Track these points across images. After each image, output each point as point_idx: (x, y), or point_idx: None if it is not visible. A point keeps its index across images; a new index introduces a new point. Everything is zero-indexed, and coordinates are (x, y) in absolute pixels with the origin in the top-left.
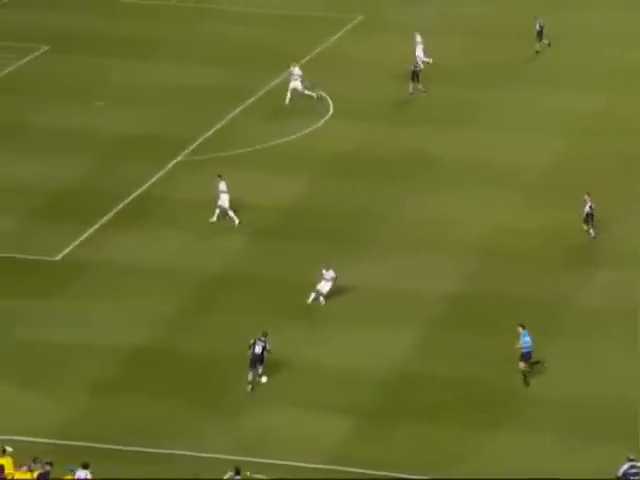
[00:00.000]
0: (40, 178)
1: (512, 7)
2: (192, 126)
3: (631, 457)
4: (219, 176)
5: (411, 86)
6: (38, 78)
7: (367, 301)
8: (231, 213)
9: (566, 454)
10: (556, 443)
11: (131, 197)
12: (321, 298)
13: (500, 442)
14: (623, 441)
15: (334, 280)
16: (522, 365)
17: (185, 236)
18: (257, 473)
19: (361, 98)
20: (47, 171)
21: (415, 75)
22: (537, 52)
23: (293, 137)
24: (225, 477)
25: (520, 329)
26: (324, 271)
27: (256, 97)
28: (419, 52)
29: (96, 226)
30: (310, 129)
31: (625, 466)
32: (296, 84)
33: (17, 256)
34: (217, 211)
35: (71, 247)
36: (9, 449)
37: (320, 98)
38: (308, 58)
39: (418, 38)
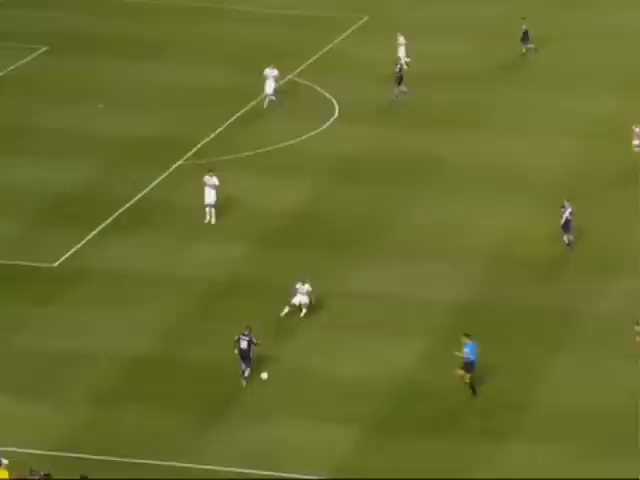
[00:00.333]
0: (38, 182)
1: (527, 6)
2: (194, 129)
3: None
4: (210, 171)
5: (396, 89)
6: (36, 80)
7: (373, 310)
8: (213, 210)
9: (578, 465)
10: (567, 454)
11: (132, 202)
12: (304, 310)
13: (510, 454)
14: (637, 452)
15: (309, 294)
16: (461, 374)
17: (187, 242)
18: None
19: (367, 100)
20: (45, 175)
21: (399, 78)
22: (523, 54)
23: (297, 140)
24: None
25: (465, 338)
26: (299, 285)
27: (260, 99)
28: (401, 53)
29: (96, 231)
30: (315, 132)
31: None
32: (271, 86)
33: (15, 262)
34: (213, 211)
35: (70, 253)
36: (5, 461)
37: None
38: (314, 59)
39: (401, 39)
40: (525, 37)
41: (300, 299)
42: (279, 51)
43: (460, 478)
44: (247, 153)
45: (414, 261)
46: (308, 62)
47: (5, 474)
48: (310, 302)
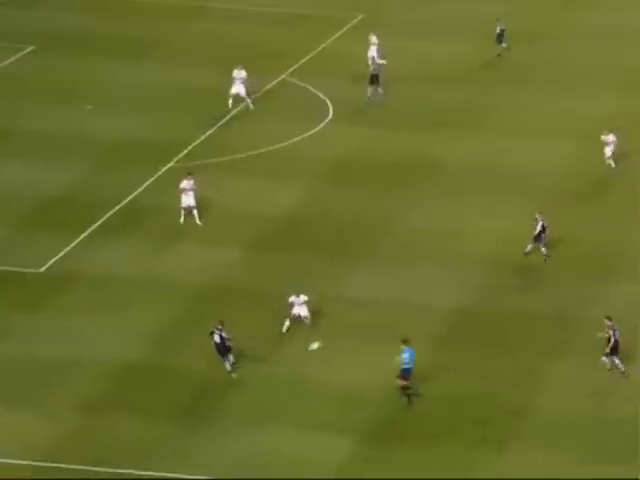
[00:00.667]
0: (24, 185)
1: (527, 5)
2: (184, 130)
3: None
4: (189, 174)
5: (369, 90)
6: (23, 80)
7: (369, 315)
8: (195, 212)
9: (577, 473)
10: (567, 462)
11: (121, 205)
12: (307, 321)
13: (509, 461)
14: (636, 459)
15: (307, 303)
16: (400, 382)
17: (177, 246)
18: None
19: (362, 101)
20: (32, 177)
21: (374, 78)
22: (499, 55)
23: (290, 142)
24: None
25: (402, 345)
26: (293, 298)
27: (251, 100)
28: (373, 53)
29: (84, 235)
30: (308, 134)
31: None
32: (240, 88)
33: (1, 268)
34: (195, 213)
35: (58, 257)
36: None
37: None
38: (307, 58)
39: (374, 39)
40: (500, 38)
41: (299, 311)
42: (272, 50)
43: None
44: (239, 155)
45: (411, 266)
46: (301, 62)
47: None
48: (308, 311)
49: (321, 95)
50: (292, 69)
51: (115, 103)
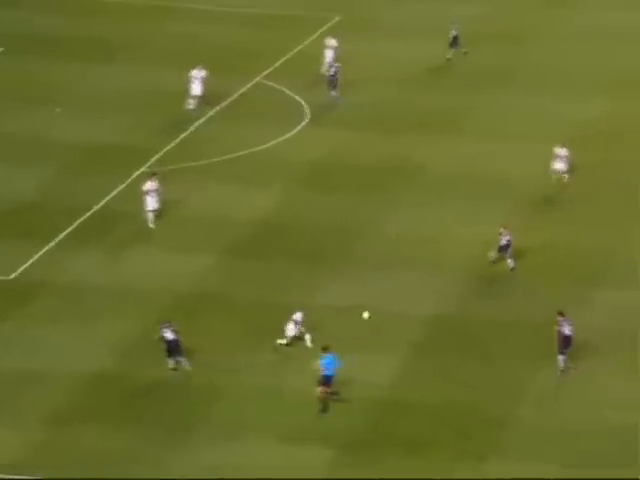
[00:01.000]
0: None
1: (509, 6)
2: (157, 134)
3: None
4: (154, 174)
5: (329, 93)
6: None
7: (346, 324)
8: (151, 215)
9: None
10: (548, 474)
11: (91, 211)
12: (307, 340)
13: (489, 473)
14: (621, 470)
15: (301, 323)
16: (319, 389)
17: (150, 253)
18: None
19: (340, 103)
20: (1, 183)
21: (332, 82)
22: (449, 59)
23: (266, 146)
24: None
25: (322, 351)
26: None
27: (227, 103)
28: (330, 56)
29: (54, 243)
30: (284, 137)
31: None
32: (198, 88)
33: None
34: (150, 215)
35: (26, 265)
36: None
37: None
38: (283, 60)
39: (332, 42)
40: (454, 42)
41: (295, 331)
42: (246, 52)
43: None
44: (213, 159)
45: (389, 272)
46: (277, 64)
47: None
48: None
49: (297, 98)
50: (267, 71)
51: (86, 106)
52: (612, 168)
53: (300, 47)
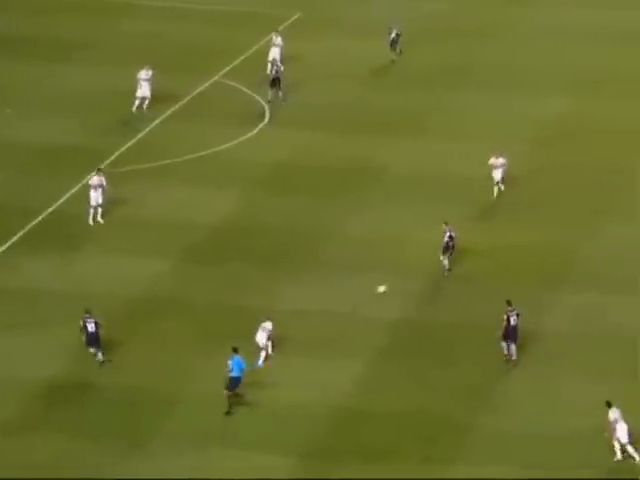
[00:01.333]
0: None
1: (474, 3)
2: (112, 135)
3: None
4: (99, 170)
5: (270, 93)
6: None
7: (307, 328)
8: (99, 210)
9: None
10: (509, 474)
11: (44, 214)
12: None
13: (455, 478)
14: (581, 471)
15: (270, 333)
16: (225, 392)
17: (105, 257)
18: None
19: (300, 103)
20: None
21: (275, 81)
22: (393, 61)
23: (225, 146)
24: None
25: (232, 352)
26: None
27: (184, 102)
28: (275, 55)
29: (5, 247)
30: (243, 137)
31: None
32: (146, 90)
33: None
34: (100, 210)
35: None
36: None
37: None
38: (242, 58)
39: (278, 40)
40: (394, 42)
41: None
42: (204, 50)
43: None
44: (170, 161)
45: (351, 276)
46: (236, 62)
47: None
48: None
49: (257, 97)
50: (226, 70)
51: (39, 106)
52: (574, 168)
53: (259, 45)
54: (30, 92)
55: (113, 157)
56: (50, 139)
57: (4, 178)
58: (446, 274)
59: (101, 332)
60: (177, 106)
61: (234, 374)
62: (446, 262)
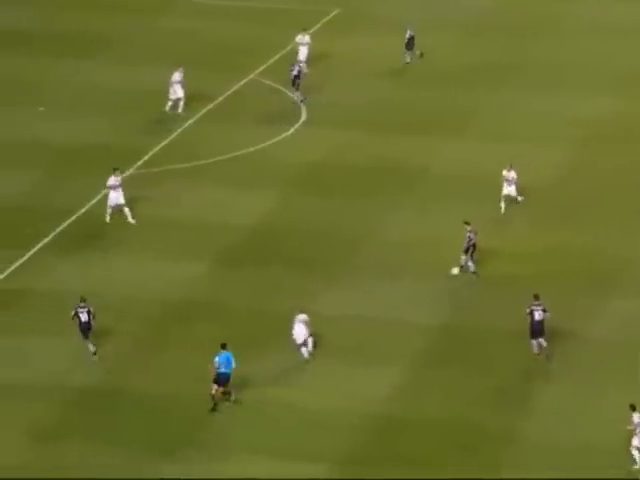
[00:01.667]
0: None
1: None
2: (146, 134)
3: None
4: (116, 169)
5: (297, 93)
6: None
7: (343, 334)
8: (126, 210)
9: None
10: None
11: (76, 216)
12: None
13: None
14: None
15: (307, 324)
16: (213, 389)
17: (139, 260)
18: None
19: (337, 102)
20: None
21: (295, 80)
22: (407, 63)
23: (260, 147)
24: None
25: (221, 349)
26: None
27: (218, 101)
28: (304, 55)
29: (36, 249)
30: (279, 137)
31: None
32: (180, 91)
33: None
34: (126, 211)
35: (7, 273)
36: None
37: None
38: (278, 57)
39: (306, 38)
40: (410, 44)
41: (299, 333)
42: (240, 48)
43: None
44: (204, 161)
45: (388, 279)
46: (272, 60)
47: None
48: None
49: (293, 96)
50: (262, 68)
51: (70, 105)
52: (619, 169)
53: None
54: (61, 90)
55: (146, 157)
56: (81, 138)
57: (36, 178)
58: (474, 277)
59: (94, 322)
60: (211, 105)
61: (222, 370)
62: (471, 264)
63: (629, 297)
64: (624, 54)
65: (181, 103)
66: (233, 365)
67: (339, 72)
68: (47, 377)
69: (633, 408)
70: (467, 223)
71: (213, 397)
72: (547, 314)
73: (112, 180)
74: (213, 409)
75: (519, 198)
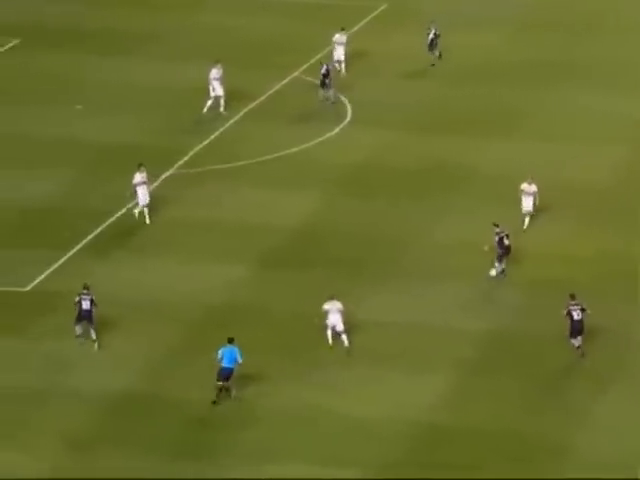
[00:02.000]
0: (7, 195)
1: None
2: (186, 134)
3: None
4: (140, 165)
5: (331, 93)
6: (4, 77)
7: (388, 339)
8: (146, 210)
9: None
10: None
11: (115, 217)
12: (343, 336)
13: None
14: None
15: (342, 313)
16: (219, 383)
17: (179, 262)
18: None
19: (384, 101)
20: (15, 187)
21: (325, 80)
22: (433, 65)
23: (304, 147)
24: None
25: (227, 342)
26: (328, 305)
27: (260, 101)
28: (338, 55)
29: (73, 251)
30: (323, 137)
31: None
32: (220, 89)
33: None
34: (146, 210)
35: (44, 275)
36: None
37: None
38: (322, 54)
39: (343, 38)
40: (432, 43)
41: (335, 322)
42: (282, 45)
43: None
44: (246, 162)
45: (435, 284)
46: (316, 57)
47: None
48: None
49: (339, 95)
50: (305, 66)
51: (108, 104)
52: None
53: None
54: (98, 88)
55: (187, 157)
56: (120, 137)
57: (73, 179)
58: (502, 279)
59: (95, 311)
60: (253, 105)
61: (224, 364)
62: (497, 264)
63: None
64: None
65: (222, 101)
66: (239, 361)
67: (385, 70)
68: (83, 383)
69: None
70: (496, 225)
71: (217, 390)
72: (586, 312)
73: (137, 177)
74: (214, 402)
75: (532, 213)
